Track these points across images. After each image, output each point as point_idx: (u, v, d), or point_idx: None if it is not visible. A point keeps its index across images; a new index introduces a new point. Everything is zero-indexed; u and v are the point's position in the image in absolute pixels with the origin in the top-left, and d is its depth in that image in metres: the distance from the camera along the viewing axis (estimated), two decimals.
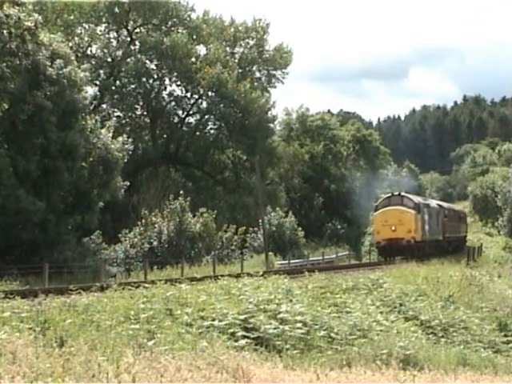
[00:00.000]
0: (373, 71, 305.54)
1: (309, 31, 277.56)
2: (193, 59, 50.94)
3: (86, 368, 7.95)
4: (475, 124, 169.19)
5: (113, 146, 31.82)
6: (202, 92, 52.26)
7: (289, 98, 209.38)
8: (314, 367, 10.70)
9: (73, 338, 9.90)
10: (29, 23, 27.76)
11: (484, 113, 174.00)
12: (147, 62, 51.01)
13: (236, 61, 54.21)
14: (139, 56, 49.98)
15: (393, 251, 39.26)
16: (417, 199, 43.32)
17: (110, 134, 32.36)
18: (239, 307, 13.89)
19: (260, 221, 40.12)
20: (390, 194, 43.16)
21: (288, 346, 12.50)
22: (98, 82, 48.43)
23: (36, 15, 29.17)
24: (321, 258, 40.64)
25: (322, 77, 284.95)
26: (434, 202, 50.16)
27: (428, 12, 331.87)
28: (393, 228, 39.48)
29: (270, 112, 54.61)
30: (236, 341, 11.83)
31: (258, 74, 57.14)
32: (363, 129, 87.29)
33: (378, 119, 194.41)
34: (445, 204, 58.21)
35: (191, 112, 54.75)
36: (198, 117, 55.33)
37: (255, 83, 54.57)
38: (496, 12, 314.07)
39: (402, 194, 42.70)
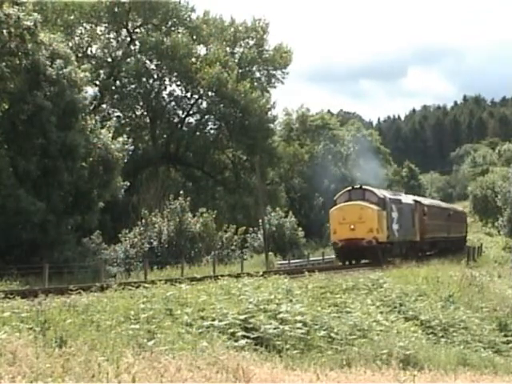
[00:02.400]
0: (371, 71, 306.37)
1: (307, 31, 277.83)
2: (193, 59, 50.94)
3: (85, 368, 7.95)
4: (475, 124, 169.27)
5: (113, 146, 31.83)
6: (201, 92, 52.26)
7: (289, 98, 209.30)
8: (314, 367, 10.70)
9: (73, 338, 9.90)
10: (28, 23, 27.75)
11: (484, 113, 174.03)
12: (147, 62, 51.01)
13: (236, 61, 54.21)
14: (139, 56, 49.98)
15: (352, 254, 33.88)
16: (382, 193, 37.05)
17: (110, 134, 32.36)
18: (239, 307, 13.89)
19: (260, 221, 40.12)
20: (350, 188, 36.69)
21: (288, 346, 12.50)
22: (97, 82, 48.43)
23: (35, 15, 29.15)
24: (321, 257, 40.61)
25: (320, 77, 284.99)
26: (408, 198, 43.82)
27: (426, 11, 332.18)
28: (351, 227, 33.37)
29: (270, 112, 54.66)
30: (236, 341, 11.82)
31: (257, 74, 57.16)
32: (363, 129, 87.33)
33: (378, 119, 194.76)
34: (426, 200, 52.57)
35: (191, 112, 54.76)
36: (198, 117, 55.35)
37: (255, 83, 54.57)
38: (496, 12, 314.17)
39: (365, 187, 36.43)
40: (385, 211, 34.86)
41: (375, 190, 36.25)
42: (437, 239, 47.62)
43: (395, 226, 36.45)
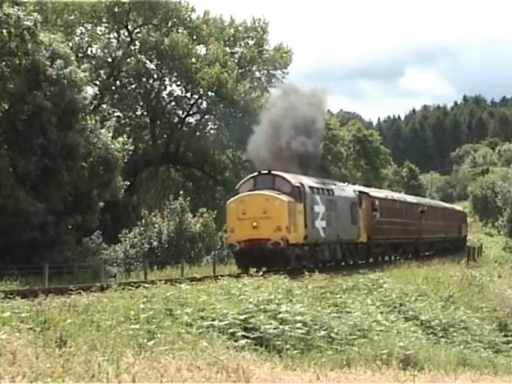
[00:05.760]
0: (367, 71, 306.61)
1: (304, 31, 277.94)
2: (193, 59, 50.93)
3: (86, 368, 7.95)
4: (475, 124, 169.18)
5: (113, 146, 31.81)
6: (201, 92, 52.23)
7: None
8: (314, 367, 10.72)
9: (73, 338, 9.91)
10: (28, 23, 27.73)
11: (484, 113, 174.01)
12: (147, 62, 51.00)
13: (236, 61, 54.19)
14: (139, 56, 49.97)
15: (254, 259, 24.68)
16: (299, 180, 28.00)
17: (110, 134, 32.35)
18: (239, 307, 13.91)
19: None
20: (256, 173, 28.04)
21: (288, 346, 12.52)
22: (97, 82, 48.41)
23: (35, 14, 29.12)
24: None
25: (316, 77, 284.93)
26: (348, 188, 34.47)
27: (424, 11, 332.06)
28: (254, 224, 25.69)
29: None
30: (236, 341, 11.84)
31: (257, 74, 57.07)
32: (364, 129, 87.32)
33: (378, 119, 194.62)
34: (380, 192, 42.34)
35: (191, 112, 54.72)
36: (198, 117, 55.30)
37: (255, 83, 54.53)
38: (495, 11, 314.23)
39: (275, 172, 27.46)
40: (301, 204, 27.12)
41: (289, 177, 27.49)
42: (399, 241, 39.75)
43: (320, 224, 28.76)
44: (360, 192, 34.90)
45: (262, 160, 29.90)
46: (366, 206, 34.74)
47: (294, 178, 27.67)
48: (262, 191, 26.56)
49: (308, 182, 28.79)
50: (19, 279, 22.66)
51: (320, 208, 28.96)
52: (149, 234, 34.46)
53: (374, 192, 38.84)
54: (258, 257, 24.95)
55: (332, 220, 29.80)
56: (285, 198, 26.24)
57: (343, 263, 31.38)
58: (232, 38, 55.07)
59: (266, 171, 27.55)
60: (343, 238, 30.94)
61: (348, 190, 33.66)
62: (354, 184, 47.02)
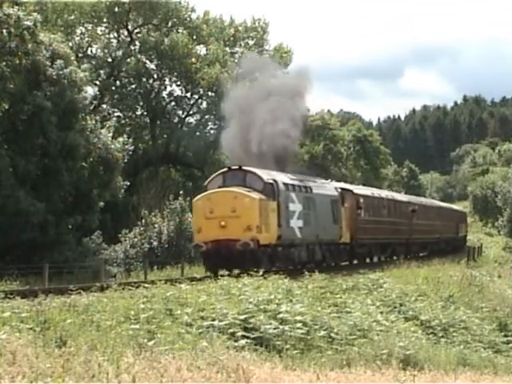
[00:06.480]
0: (366, 71, 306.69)
1: (303, 31, 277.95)
2: (193, 59, 50.93)
3: (86, 368, 7.95)
4: (475, 124, 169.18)
5: (113, 146, 31.83)
6: (201, 92, 52.24)
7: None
8: (314, 367, 10.72)
9: (73, 338, 9.91)
10: (28, 23, 27.75)
11: (484, 113, 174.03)
12: (147, 62, 51.01)
13: (236, 61, 54.19)
14: (139, 56, 49.98)
15: (222, 261, 23.58)
16: (273, 176, 26.19)
17: (110, 134, 32.36)
18: (239, 307, 13.91)
19: None
20: (225, 169, 26.66)
21: (288, 346, 12.52)
22: (97, 82, 48.43)
23: (35, 15, 29.14)
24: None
25: (319, 77, 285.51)
26: (329, 185, 32.42)
27: (423, 11, 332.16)
28: (222, 223, 24.08)
29: None
30: (236, 341, 11.84)
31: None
32: (364, 129, 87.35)
33: (378, 119, 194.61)
34: (366, 190, 39.71)
35: (191, 112, 54.75)
36: (198, 117, 55.32)
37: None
38: (495, 11, 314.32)
39: (246, 167, 25.76)
40: (275, 201, 25.39)
41: (261, 173, 25.73)
42: (387, 241, 38.08)
43: (296, 223, 27.08)
44: (343, 189, 32.88)
45: (235, 155, 28.20)
46: (350, 204, 32.96)
47: (267, 174, 25.93)
48: (230, 188, 24.83)
49: (282, 178, 26.95)
50: (19, 279, 22.67)
51: (296, 206, 27.18)
52: (149, 233, 34.46)
53: (358, 189, 36.91)
54: (227, 258, 23.57)
55: (310, 219, 28.06)
56: (255, 195, 24.51)
57: (324, 264, 29.42)
58: (232, 38, 55.07)
59: (236, 167, 25.99)
60: (323, 239, 29.21)
61: (329, 188, 31.66)
62: (352, 183, 46.20)
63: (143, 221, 35.05)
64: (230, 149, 29.19)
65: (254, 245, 23.76)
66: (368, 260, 36.85)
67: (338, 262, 31.67)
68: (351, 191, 34.29)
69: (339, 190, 32.02)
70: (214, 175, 26.66)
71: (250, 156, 27.94)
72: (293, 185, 27.40)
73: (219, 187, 25.27)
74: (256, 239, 23.93)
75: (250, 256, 23.63)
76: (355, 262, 34.65)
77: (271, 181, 25.58)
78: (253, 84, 32.09)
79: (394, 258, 37.31)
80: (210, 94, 51.74)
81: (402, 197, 47.27)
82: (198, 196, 25.72)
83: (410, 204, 44.13)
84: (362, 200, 34.90)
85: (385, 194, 42.93)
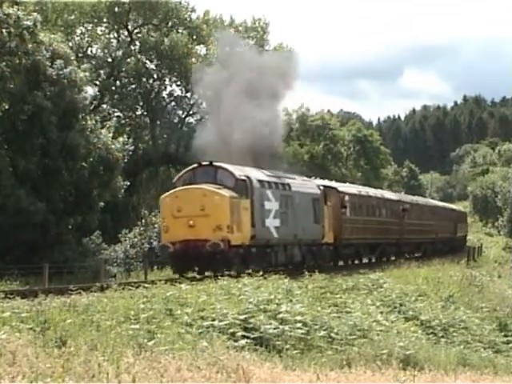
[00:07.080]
0: (368, 71, 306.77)
1: (303, 31, 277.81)
2: (193, 59, 50.93)
3: (86, 368, 7.96)
4: (475, 124, 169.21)
5: (113, 146, 31.81)
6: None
7: (288, 98, 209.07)
8: (314, 367, 10.72)
9: (73, 338, 9.91)
10: (28, 23, 27.75)
11: (484, 113, 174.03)
12: (147, 62, 51.02)
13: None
14: (139, 56, 49.98)
15: (191, 262, 22.76)
16: (246, 172, 24.49)
17: (110, 134, 32.35)
18: (239, 307, 13.91)
19: None
20: (195, 165, 24.92)
21: (288, 346, 12.52)
22: (97, 82, 48.42)
23: (35, 14, 29.14)
24: None
25: (315, 76, 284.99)
26: (310, 182, 30.64)
27: (423, 11, 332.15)
28: (190, 222, 22.58)
29: None
30: (236, 341, 11.85)
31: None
32: (364, 129, 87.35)
33: (378, 119, 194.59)
34: (354, 188, 38.05)
35: (191, 112, 54.76)
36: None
37: None
38: (495, 11, 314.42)
39: (217, 163, 24.22)
40: (248, 199, 23.79)
41: (233, 169, 24.06)
42: (376, 241, 36.55)
43: (272, 222, 25.45)
44: (325, 187, 31.02)
45: (212, 150, 26.03)
46: (334, 202, 31.21)
47: (239, 170, 24.17)
48: (199, 185, 23.35)
49: (257, 174, 25.19)
50: (19, 279, 22.67)
51: (272, 204, 25.51)
52: (149, 233, 34.45)
53: (343, 187, 34.97)
54: (196, 260, 22.50)
55: (288, 218, 26.44)
56: (226, 192, 22.88)
57: (305, 266, 26.94)
58: None
59: (206, 162, 24.39)
60: (303, 239, 27.48)
61: (310, 185, 29.77)
62: (352, 183, 45.52)
63: (143, 221, 35.04)
64: (205, 143, 27.15)
65: (225, 245, 22.19)
66: (357, 261, 35.48)
67: (320, 263, 29.25)
68: (335, 189, 32.74)
69: (321, 188, 30.32)
70: (184, 171, 25.21)
71: (227, 150, 26.14)
72: (269, 182, 25.79)
73: (188, 184, 23.86)
74: (227, 239, 22.36)
75: (220, 257, 22.23)
76: (340, 263, 33.12)
77: (244, 177, 23.97)
78: (227, 66, 30.12)
79: (384, 259, 36.60)
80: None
81: (391, 195, 45.43)
82: (166, 193, 24.26)
83: (400, 203, 42.54)
84: (348, 198, 33.27)
85: (373, 192, 40.90)
